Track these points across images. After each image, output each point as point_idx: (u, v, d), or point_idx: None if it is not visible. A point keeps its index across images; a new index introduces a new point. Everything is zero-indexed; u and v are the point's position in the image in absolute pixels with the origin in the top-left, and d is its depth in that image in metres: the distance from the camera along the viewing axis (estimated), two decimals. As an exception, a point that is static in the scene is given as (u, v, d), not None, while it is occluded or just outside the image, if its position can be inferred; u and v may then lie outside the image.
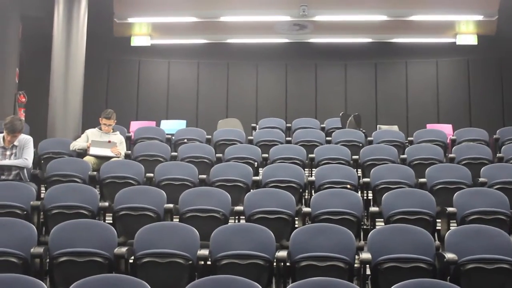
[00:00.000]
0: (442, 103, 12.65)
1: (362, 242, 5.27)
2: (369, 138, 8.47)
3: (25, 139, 6.26)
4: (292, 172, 6.53)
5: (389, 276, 4.17)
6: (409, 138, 8.70)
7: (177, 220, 5.44)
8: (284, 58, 12.89)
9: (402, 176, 6.37)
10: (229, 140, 8.26)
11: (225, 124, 9.78)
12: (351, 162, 7.33)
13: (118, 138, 7.43)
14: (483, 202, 5.44)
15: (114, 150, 7.17)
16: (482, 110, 12.36)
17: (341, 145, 7.89)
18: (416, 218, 5.18)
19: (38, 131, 8.75)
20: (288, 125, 9.72)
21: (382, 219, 5.49)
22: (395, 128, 9.67)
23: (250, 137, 8.66)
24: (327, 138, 8.56)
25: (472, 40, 11.69)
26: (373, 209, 5.72)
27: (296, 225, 5.42)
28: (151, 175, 6.63)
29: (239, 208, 5.58)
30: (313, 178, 6.62)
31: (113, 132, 7.48)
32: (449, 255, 4.25)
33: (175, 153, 7.67)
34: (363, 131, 8.71)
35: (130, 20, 11.30)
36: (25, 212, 5.35)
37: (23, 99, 10.09)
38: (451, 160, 7.23)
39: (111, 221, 5.41)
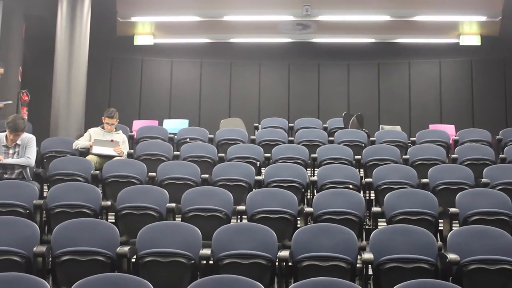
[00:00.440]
0: (445, 103, 12.64)
1: (364, 242, 5.27)
2: (371, 138, 8.46)
3: (28, 138, 6.27)
4: (295, 172, 6.53)
5: (391, 277, 4.17)
6: (411, 139, 8.69)
7: (179, 219, 5.44)
8: (287, 58, 12.89)
9: (404, 176, 6.37)
10: (231, 140, 8.27)
11: (228, 123, 9.78)
12: (354, 162, 7.32)
13: (120, 137, 7.44)
14: (485, 203, 5.43)
15: (117, 149, 7.18)
16: (485, 111, 12.35)
17: (343, 145, 7.89)
18: (419, 218, 5.18)
19: (41, 130, 8.77)
20: (290, 124, 9.72)
21: (384, 219, 5.49)
22: (397, 128, 9.66)
23: (252, 137, 8.66)
24: (330, 138, 8.55)
25: (476, 41, 11.67)
26: (375, 209, 5.71)
27: (298, 225, 5.42)
28: (154, 174, 6.63)
29: (241, 207, 5.58)
30: (315, 178, 6.62)
31: (115, 131, 7.49)
32: (451, 256, 4.24)
33: (178, 153, 7.67)
34: (366, 131, 8.71)
35: (133, 19, 11.30)
36: (27, 211, 5.36)
37: (26, 98, 10.10)
38: (454, 161, 7.23)
39: (113, 220, 5.41)
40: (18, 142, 6.20)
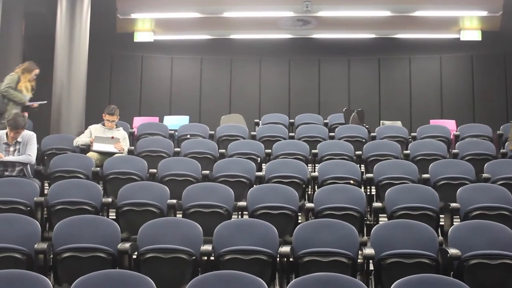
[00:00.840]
0: (446, 98, 12.63)
1: (365, 238, 5.27)
2: (372, 134, 8.46)
3: (28, 135, 6.27)
4: (295, 168, 6.53)
5: (392, 272, 4.17)
6: (412, 134, 8.68)
7: (180, 215, 5.45)
8: (287, 54, 12.88)
9: (405, 171, 6.37)
10: (232, 136, 8.26)
11: (228, 119, 9.77)
12: (354, 157, 7.32)
13: (121, 134, 7.44)
14: (486, 198, 5.43)
15: (117, 146, 7.18)
16: (486, 106, 12.34)
17: (344, 140, 7.88)
18: (420, 213, 5.18)
19: (41, 127, 8.76)
20: (291, 120, 9.71)
21: (385, 215, 5.49)
22: (398, 123, 9.65)
23: (253, 133, 8.66)
24: (330, 134, 8.55)
25: (476, 36, 11.65)
26: (376, 204, 5.72)
27: (299, 221, 5.42)
28: (154, 170, 6.63)
29: (242, 203, 5.58)
30: (316, 173, 6.62)
31: (116, 128, 7.49)
32: (453, 251, 4.24)
33: (178, 149, 7.67)
34: (367, 126, 8.70)
35: (133, 16, 11.29)
36: (28, 208, 5.37)
37: (26, 95, 10.08)
38: (455, 156, 7.22)
39: (114, 217, 5.42)
40: (19, 139, 6.20)
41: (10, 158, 6.15)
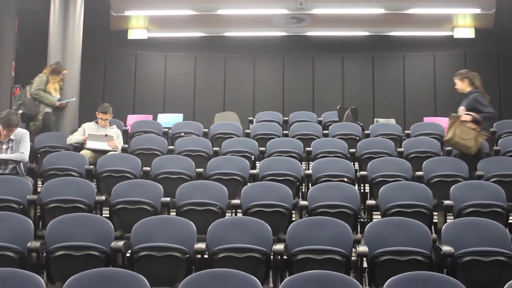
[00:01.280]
0: (439, 96, 12.65)
1: (359, 235, 5.28)
2: (366, 131, 8.46)
3: (21, 133, 6.24)
4: (289, 166, 6.53)
5: (386, 269, 4.18)
6: (406, 131, 8.69)
7: (174, 213, 5.44)
8: (281, 51, 12.87)
9: (399, 169, 6.37)
10: (226, 134, 8.26)
11: (222, 117, 9.76)
12: (348, 155, 7.32)
13: (114, 132, 7.43)
14: (479, 195, 5.44)
15: (111, 143, 7.16)
16: (479, 103, 12.35)
17: (338, 138, 7.89)
18: (413, 211, 5.19)
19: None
20: (285, 118, 9.71)
21: (379, 212, 5.50)
22: (392, 121, 9.66)
23: (247, 131, 8.65)
24: (324, 132, 8.55)
25: (470, 33, 11.68)
26: (370, 202, 5.72)
27: (293, 218, 5.42)
28: (148, 168, 6.62)
29: (236, 201, 5.58)
30: (310, 171, 6.62)
31: (109, 125, 7.47)
32: (446, 248, 4.26)
33: (172, 147, 7.66)
34: (360, 124, 8.70)
35: (126, 13, 11.26)
36: (21, 206, 5.35)
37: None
38: (448, 153, 7.24)
39: (108, 215, 5.40)
40: (12, 137, 6.17)
41: (2, 156, 6.12)
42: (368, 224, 4.76)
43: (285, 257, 4.42)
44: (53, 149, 7.27)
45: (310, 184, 6.45)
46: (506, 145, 7.42)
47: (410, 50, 12.71)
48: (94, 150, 7.09)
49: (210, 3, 10.91)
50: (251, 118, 9.93)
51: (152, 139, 7.83)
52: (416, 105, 12.51)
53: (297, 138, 7.95)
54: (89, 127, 7.42)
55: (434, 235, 5.04)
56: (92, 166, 6.63)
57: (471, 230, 4.56)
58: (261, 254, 4.31)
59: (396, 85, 12.85)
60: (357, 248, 4.40)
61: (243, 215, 5.34)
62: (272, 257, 4.42)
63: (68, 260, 4.29)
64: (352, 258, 4.49)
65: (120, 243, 4.39)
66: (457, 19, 11.51)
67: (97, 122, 7.43)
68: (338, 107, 9.62)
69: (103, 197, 5.79)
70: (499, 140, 7.78)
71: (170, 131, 8.61)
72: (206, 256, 4.43)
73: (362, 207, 5.95)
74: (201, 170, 6.55)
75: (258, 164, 7.12)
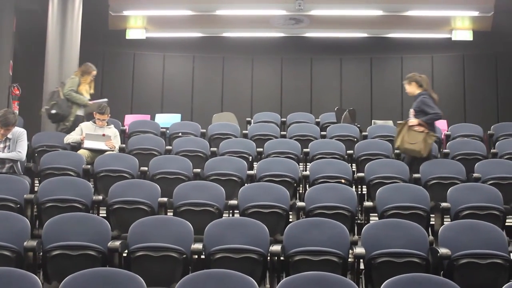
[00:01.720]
0: (437, 98, 12.64)
1: (356, 237, 5.28)
2: (363, 133, 8.47)
3: (19, 132, 6.23)
4: (287, 167, 6.53)
5: (382, 271, 4.18)
6: (403, 133, 8.68)
7: (171, 214, 5.43)
8: (279, 53, 12.87)
9: (396, 171, 6.38)
10: (223, 134, 8.25)
11: (220, 118, 9.76)
12: (346, 156, 7.33)
13: (112, 132, 7.42)
14: (477, 198, 5.45)
15: (109, 143, 7.15)
16: (477, 106, 12.39)
17: (335, 139, 7.89)
18: (410, 213, 5.19)
19: (32, 124, 8.72)
20: (283, 119, 9.71)
21: (376, 214, 5.50)
22: (389, 123, 9.66)
23: (245, 131, 8.65)
24: (322, 133, 8.56)
25: (468, 36, 11.70)
26: (367, 203, 5.73)
27: (290, 220, 5.42)
28: (145, 168, 6.62)
29: (233, 202, 5.58)
30: (307, 172, 6.62)
31: (107, 125, 7.46)
32: (443, 250, 4.26)
33: (170, 147, 7.65)
34: (358, 125, 8.71)
35: (125, 13, 11.25)
36: (18, 206, 5.34)
37: (17, 92, 10.05)
38: (445, 156, 7.24)
39: (105, 215, 5.39)
40: (9, 136, 6.16)
41: (0, 155, 6.11)
42: (365, 226, 4.77)
43: (282, 258, 4.42)
44: (50, 148, 7.26)
45: (307, 185, 6.45)
46: (504, 147, 7.43)
47: (408, 52, 12.72)
48: (91, 150, 7.08)
49: (208, 4, 10.91)
50: (249, 118, 9.93)
51: (149, 139, 7.83)
52: (414, 107, 12.50)
53: (294, 139, 7.95)
54: (86, 126, 7.41)
55: (431, 237, 5.05)
56: (89, 166, 6.62)
57: (468, 232, 4.56)
58: (258, 255, 4.31)
59: (394, 86, 12.83)
60: (354, 250, 4.40)
61: (240, 215, 5.34)
62: (269, 258, 4.42)
63: (64, 259, 4.28)
64: (349, 259, 4.49)
65: (117, 243, 4.38)
66: (455, 21, 11.54)
67: (94, 122, 7.42)
68: (336, 109, 9.63)
69: (100, 197, 5.78)
70: (497, 143, 7.80)
71: (167, 131, 8.61)
72: (203, 256, 4.42)
73: (359, 208, 5.95)
74: (198, 170, 6.55)
75: (255, 165, 7.13)
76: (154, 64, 13.10)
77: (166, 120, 10.15)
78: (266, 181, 6.14)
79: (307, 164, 7.32)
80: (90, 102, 7.94)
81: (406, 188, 5.76)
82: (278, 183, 5.94)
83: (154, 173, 6.36)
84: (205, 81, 13.03)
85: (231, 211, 5.58)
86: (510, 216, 5.64)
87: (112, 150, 7.13)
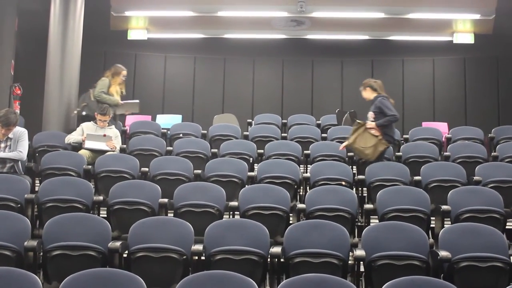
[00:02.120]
0: (438, 101, 12.67)
1: (356, 239, 5.27)
2: (364, 135, 8.45)
3: (20, 132, 6.23)
4: (287, 168, 6.53)
5: (383, 273, 4.18)
6: (404, 136, 8.71)
7: (172, 215, 5.43)
8: (281, 54, 12.87)
9: (397, 173, 6.38)
10: (224, 136, 8.26)
11: (221, 119, 9.77)
12: (347, 159, 7.33)
13: (113, 132, 7.43)
14: (477, 201, 5.45)
15: (109, 144, 7.16)
16: (478, 109, 12.39)
17: (336, 141, 7.89)
18: (411, 215, 5.19)
19: (33, 124, 8.72)
20: (284, 121, 9.72)
21: (377, 216, 5.50)
22: (390, 125, 9.65)
23: (245, 133, 8.66)
24: (323, 135, 8.56)
25: (469, 39, 11.69)
26: (368, 206, 5.73)
27: (291, 221, 5.41)
28: (146, 169, 6.62)
29: (234, 203, 5.58)
30: (308, 174, 6.63)
31: (108, 126, 7.47)
32: (443, 253, 4.26)
33: (170, 148, 7.66)
34: (359, 128, 8.69)
35: (127, 13, 11.25)
36: (19, 205, 5.34)
37: (19, 92, 10.04)
38: (446, 158, 7.25)
39: (105, 215, 5.40)
40: (10, 136, 6.17)
41: (1, 154, 6.11)
42: (366, 228, 4.77)
43: (282, 260, 4.42)
44: (51, 148, 7.27)
45: (308, 187, 6.45)
46: (504, 150, 7.43)
47: (410, 54, 12.72)
48: (92, 150, 7.09)
49: (210, 5, 10.90)
50: (250, 120, 9.93)
51: (150, 139, 7.84)
52: (414, 109, 12.51)
53: (295, 141, 7.96)
54: (87, 127, 7.42)
55: (431, 240, 5.05)
56: (90, 166, 6.63)
57: (468, 235, 4.56)
58: (258, 257, 4.31)
59: (395, 89, 12.81)
60: (354, 252, 4.40)
61: (240, 217, 5.34)
62: (269, 259, 4.42)
63: (65, 260, 4.28)
64: (349, 262, 4.49)
65: (117, 244, 4.38)
66: (456, 24, 11.53)
67: (95, 122, 7.43)
68: (336, 111, 9.63)
69: (101, 197, 5.79)
70: (497, 146, 7.79)
71: (168, 132, 8.62)
72: (203, 257, 4.42)
73: (360, 211, 5.95)
74: (199, 171, 6.55)
75: (256, 166, 7.13)
76: (156, 65, 13.11)
77: (167, 121, 10.16)
78: (266, 182, 6.14)
79: (308, 166, 7.32)
80: (121, 102, 8.00)
81: (407, 190, 5.76)
82: (279, 185, 5.94)
83: (154, 174, 6.37)
84: (206, 82, 13.03)
85: (231, 213, 5.59)
86: (510, 220, 5.64)
87: (113, 151, 7.14)
